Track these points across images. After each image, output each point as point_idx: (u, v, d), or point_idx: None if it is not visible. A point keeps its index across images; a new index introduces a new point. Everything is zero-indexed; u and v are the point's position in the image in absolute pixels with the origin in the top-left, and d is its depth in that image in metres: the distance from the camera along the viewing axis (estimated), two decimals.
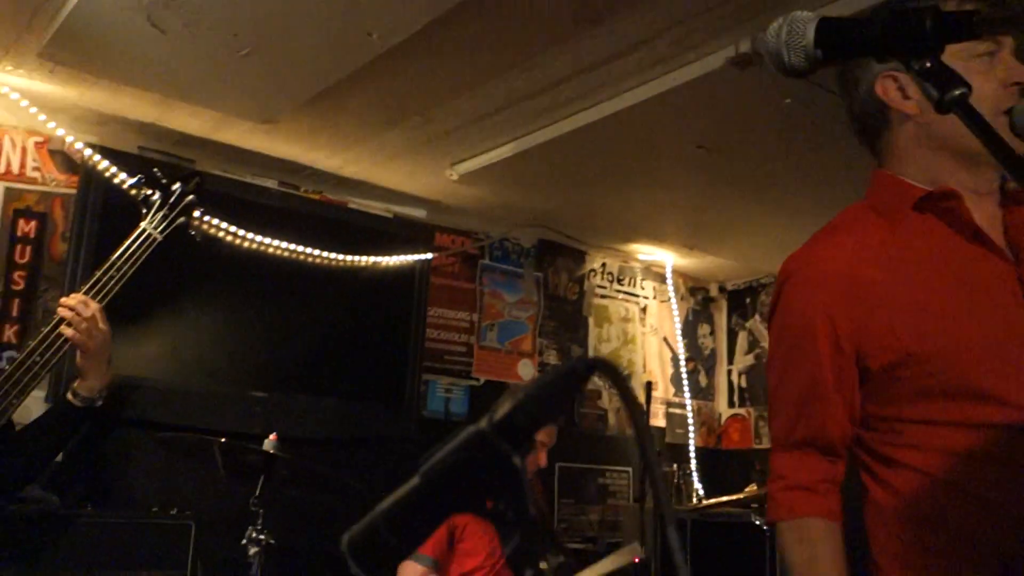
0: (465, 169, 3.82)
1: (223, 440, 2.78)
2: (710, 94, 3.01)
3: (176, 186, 2.27)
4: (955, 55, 1.18)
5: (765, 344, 5.46)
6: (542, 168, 3.76)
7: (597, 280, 5.13)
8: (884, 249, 1.32)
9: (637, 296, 5.32)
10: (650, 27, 2.71)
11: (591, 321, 5.07)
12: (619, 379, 0.58)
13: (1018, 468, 1.20)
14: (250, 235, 3.73)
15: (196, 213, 2.25)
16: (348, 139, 3.63)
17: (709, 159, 3.51)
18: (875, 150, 1.44)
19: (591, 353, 5.02)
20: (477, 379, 4.50)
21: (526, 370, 4.71)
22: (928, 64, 0.87)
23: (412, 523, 0.58)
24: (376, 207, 4.25)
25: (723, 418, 5.60)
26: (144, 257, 2.07)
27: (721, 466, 5.38)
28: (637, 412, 0.59)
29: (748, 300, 5.63)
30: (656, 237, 4.76)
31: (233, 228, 3.69)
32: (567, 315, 4.97)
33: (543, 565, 3.14)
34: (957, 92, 0.85)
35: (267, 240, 3.78)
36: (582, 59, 2.91)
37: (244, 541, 2.70)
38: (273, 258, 3.82)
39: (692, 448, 5.26)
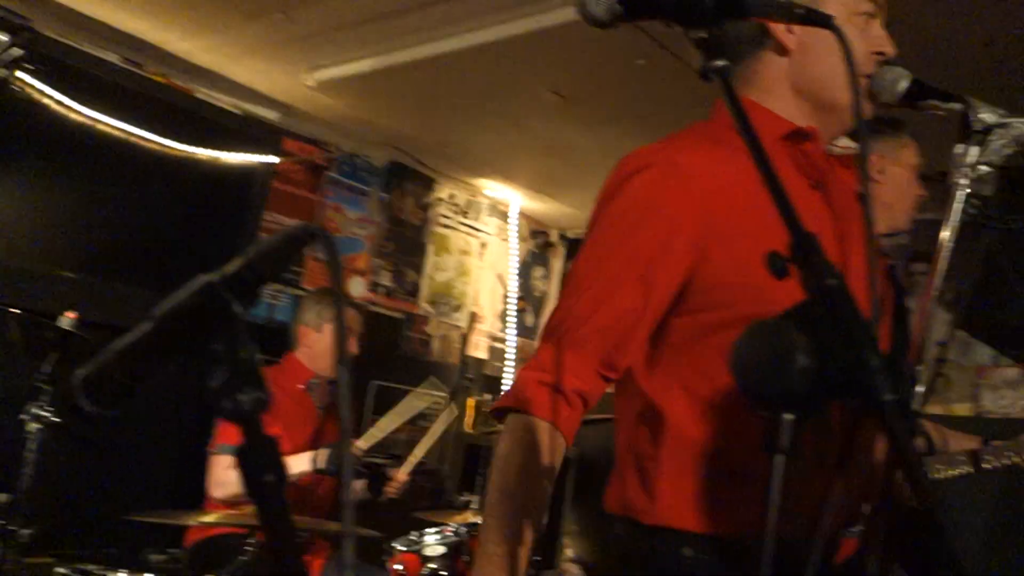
0: (323, 77, 3.75)
1: (18, 312, 2.67)
2: (569, 42, 3.09)
3: (2, 37, 2.11)
4: (838, 8, 1.29)
5: None
6: (401, 88, 3.75)
7: (443, 209, 5.18)
8: (744, 174, 1.23)
9: (479, 231, 5.41)
10: None
11: (430, 249, 5.13)
12: (332, 248, 0.65)
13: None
14: (79, 107, 3.53)
15: (20, 73, 2.10)
16: (203, 25, 3.47)
17: (563, 106, 3.61)
18: (732, 58, 1.33)
19: (425, 281, 5.09)
20: (304, 289, 4.47)
21: (357, 287, 4.72)
22: (703, 34, 0.93)
23: (142, 362, 0.63)
24: (224, 101, 4.11)
25: None
26: None
27: None
28: (336, 275, 0.66)
29: None
30: (506, 176, 4.85)
31: (61, 96, 3.47)
32: (407, 239, 5.00)
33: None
34: (719, 64, 0.91)
35: (98, 116, 3.58)
36: None
37: (23, 416, 2.61)
38: (104, 136, 3.63)
39: (509, 381, 5.47)
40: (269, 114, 4.26)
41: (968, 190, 1.24)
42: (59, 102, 3.47)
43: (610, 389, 1.31)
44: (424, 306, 5.09)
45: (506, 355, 5.54)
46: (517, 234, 5.56)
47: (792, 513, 1.06)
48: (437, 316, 5.16)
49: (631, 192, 1.26)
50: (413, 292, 5.04)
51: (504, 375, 5.48)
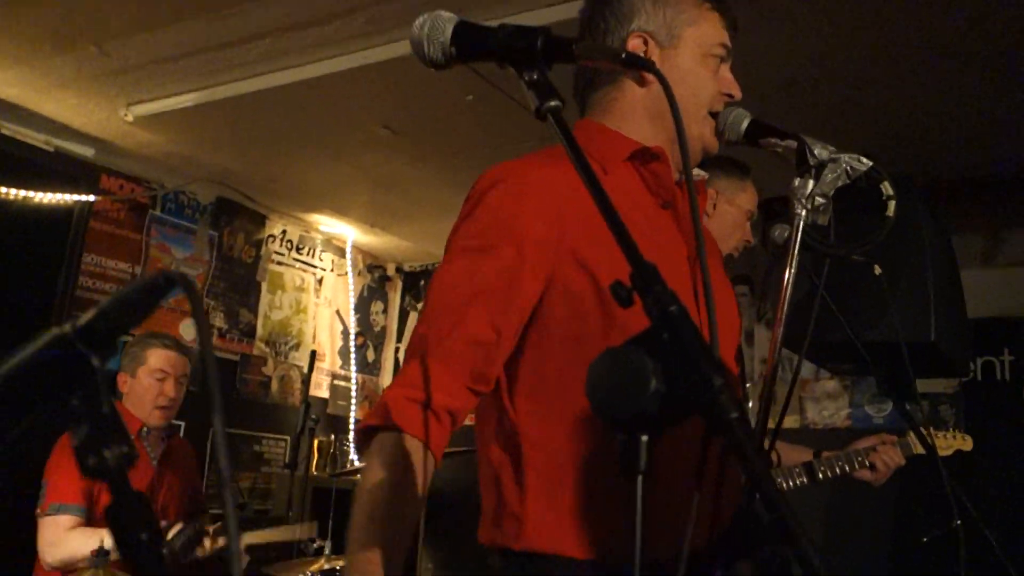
0: (142, 112, 3.58)
1: None
2: (398, 78, 3.11)
3: None
4: (693, 48, 1.38)
5: None
6: (225, 124, 3.64)
7: (275, 246, 5.05)
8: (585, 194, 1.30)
9: (315, 267, 5.30)
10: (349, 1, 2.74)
11: (264, 287, 4.97)
12: (194, 294, 0.63)
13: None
14: None
15: None
16: (7, 55, 3.24)
17: (394, 140, 3.61)
18: (587, 102, 1.44)
19: (261, 321, 4.93)
20: (132, 335, 4.22)
21: (188, 330, 4.51)
22: (535, 76, 0.99)
23: None
24: (35, 138, 3.84)
25: None
26: None
27: None
28: (203, 326, 0.65)
29: (423, 282, 5.84)
30: (339, 211, 4.79)
31: None
32: (239, 278, 4.83)
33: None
34: (553, 104, 0.96)
35: None
36: (279, 19, 2.87)
37: None
38: None
39: (353, 420, 5.37)
40: (84, 150, 4.02)
41: (806, 219, 1.32)
42: None
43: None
44: (260, 346, 4.92)
45: (352, 394, 5.44)
46: (353, 269, 5.49)
47: (659, 533, 1.08)
48: (275, 356, 5.00)
49: (486, 207, 1.26)
50: (249, 332, 4.87)
51: (350, 414, 5.38)
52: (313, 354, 4.33)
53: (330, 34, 2.94)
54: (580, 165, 0.89)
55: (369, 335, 5.69)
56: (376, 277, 5.76)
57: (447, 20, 1.05)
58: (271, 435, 4.95)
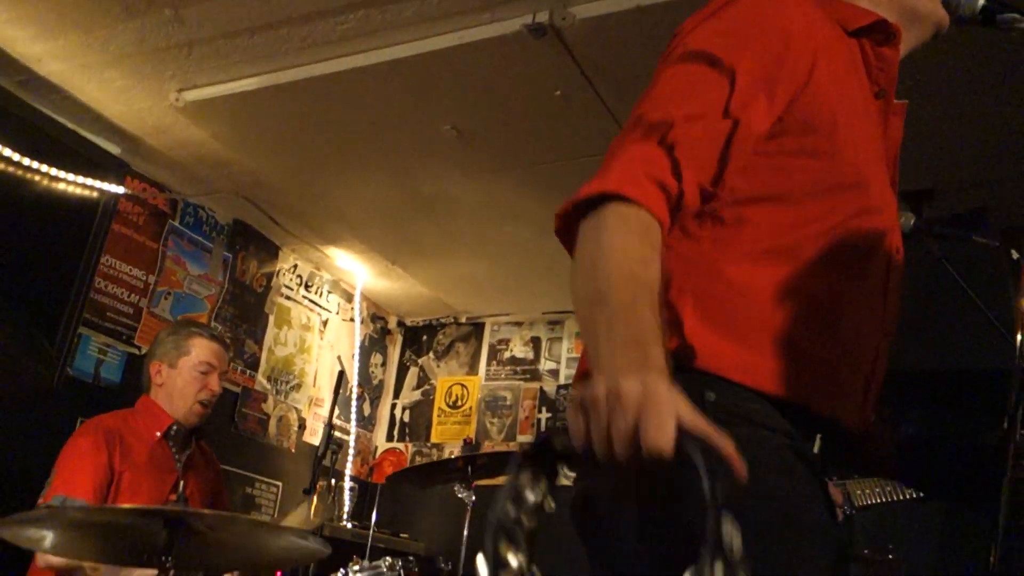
0: (193, 97, 3.42)
1: None
2: (481, 65, 3.04)
3: None
4: None
5: (434, 382, 5.47)
6: (278, 114, 3.48)
7: (285, 280, 4.82)
8: (836, 41, 1.26)
9: (321, 307, 5.07)
10: None
11: (271, 319, 4.71)
12: None
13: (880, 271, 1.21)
14: None
15: None
16: (69, 22, 3.08)
17: (459, 144, 3.50)
18: None
19: (265, 354, 4.64)
20: (139, 347, 3.91)
21: None
22: None
23: None
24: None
25: (379, 451, 5.44)
26: None
27: (369, 498, 5.17)
28: None
29: (425, 338, 5.63)
30: (361, 239, 4.58)
31: None
32: (249, 306, 4.57)
33: None
34: None
35: None
36: None
37: None
38: None
39: (348, 475, 5.02)
40: (111, 147, 3.81)
41: None
42: None
43: None
44: (263, 381, 4.62)
45: (350, 446, 5.11)
46: (359, 316, 5.27)
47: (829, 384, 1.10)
48: (275, 394, 4.69)
49: (746, 6, 1.17)
50: (253, 364, 4.57)
51: (346, 468, 5.03)
52: (341, 375, 4.03)
53: (430, 10, 2.87)
54: None
55: (367, 387, 5.41)
56: (378, 328, 5.54)
57: None
58: (264, 478, 4.58)
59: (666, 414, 0.80)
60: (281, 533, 2.24)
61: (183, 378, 2.95)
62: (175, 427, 2.91)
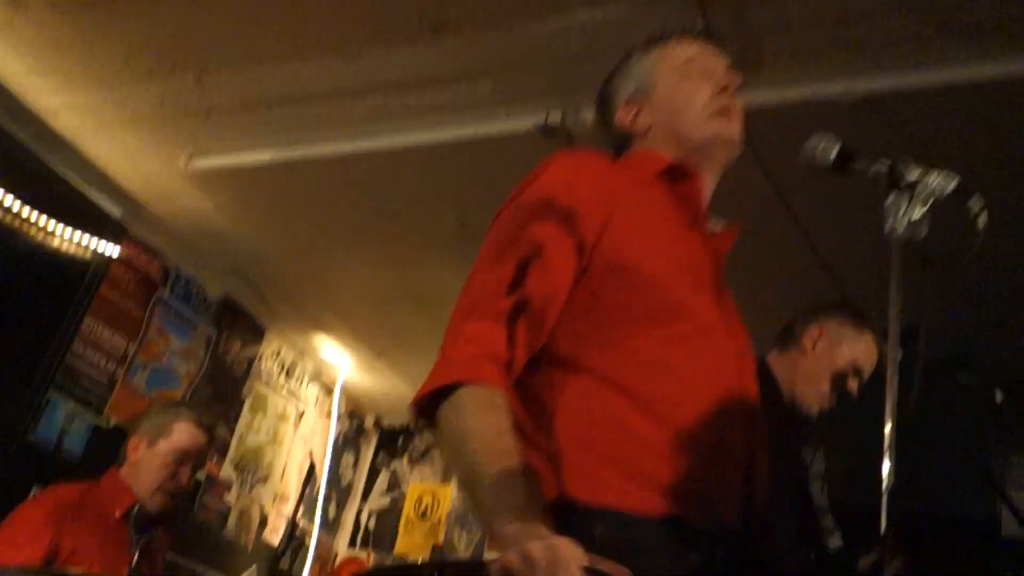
0: (203, 165, 3.44)
1: None
2: (498, 158, 3.07)
3: None
4: (666, 78, 1.51)
5: (405, 487, 5.29)
6: (284, 190, 3.51)
7: (267, 365, 4.72)
8: (633, 191, 1.37)
9: (299, 399, 4.95)
10: (482, 59, 2.76)
11: (247, 404, 4.58)
12: None
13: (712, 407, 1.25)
14: None
15: None
16: (91, 78, 3.11)
17: (462, 239, 3.50)
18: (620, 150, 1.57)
19: (236, 441, 4.49)
20: (107, 419, 3.77)
21: None
22: None
23: None
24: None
25: (338, 558, 5.19)
26: None
27: None
28: None
29: (401, 440, 5.48)
30: (349, 327, 4.52)
31: None
32: (226, 387, 4.45)
33: None
34: None
35: None
36: (402, 72, 2.85)
37: None
38: None
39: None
40: (112, 208, 3.80)
41: (904, 235, 1.33)
42: None
43: None
44: (229, 469, 4.44)
45: (310, 549, 4.88)
46: (338, 411, 5.15)
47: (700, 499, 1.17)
48: (240, 486, 4.50)
49: (550, 178, 1.33)
50: (222, 450, 4.41)
51: (303, 571, 4.79)
52: (311, 473, 3.87)
53: (448, 99, 2.93)
54: None
55: (335, 487, 5.22)
56: (353, 427, 5.40)
57: None
58: (219, 574, 4.33)
59: (573, 567, 0.94)
60: None
61: (155, 459, 2.80)
62: (137, 507, 2.76)
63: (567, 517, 1.08)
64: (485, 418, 1.10)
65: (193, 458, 2.85)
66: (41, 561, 2.46)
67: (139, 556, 2.70)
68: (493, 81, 2.83)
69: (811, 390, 2.45)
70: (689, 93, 1.48)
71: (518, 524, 1.00)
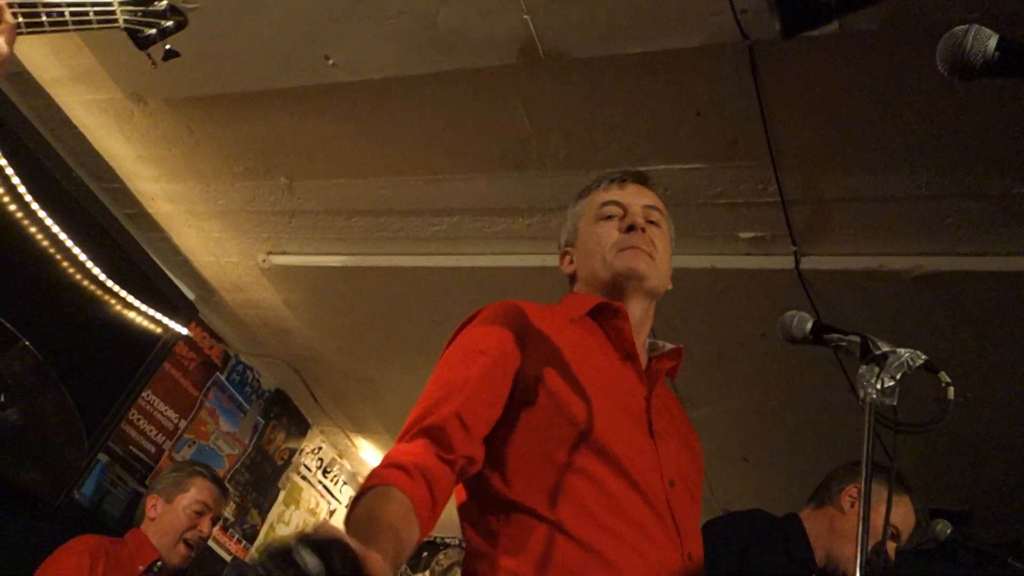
0: (280, 262, 3.63)
1: None
2: (555, 287, 3.19)
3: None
4: (586, 224, 1.68)
5: None
6: (351, 293, 3.66)
7: (306, 459, 4.80)
8: (564, 330, 1.50)
9: (333, 496, 4.99)
10: (556, 196, 2.91)
11: (282, 495, 4.64)
12: None
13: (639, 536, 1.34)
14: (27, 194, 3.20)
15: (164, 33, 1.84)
16: (192, 170, 3.34)
17: None
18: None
19: (265, 529, 4.52)
20: (148, 488, 3.85)
21: None
22: None
23: None
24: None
25: None
26: (89, 26, 1.70)
27: None
28: None
29: (425, 554, 5.45)
30: (391, 434, 4.61)
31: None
32: (265, 476, 4.53)
33: None
34: None
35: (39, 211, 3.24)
36: (478, 200, 3.02)
37: None
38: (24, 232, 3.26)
39: None
40: (188, 291, 4.00)
41: (875, 402, 1.43)
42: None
43: None
44: (254, 555, 4.46)
45: None
46: None
47: None
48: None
49: (475, 324, 1.49)
50: (250, 536, 4.45)
51: None
52: None
53: (519, 229, 3.08)
54: None
55: None
56: None
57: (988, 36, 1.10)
58: None
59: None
60: None
61: (175, 515, 2.94)
62: (160, 564, 2.85)
63: None
64: (377, 499, 1.19)
65: (211, 510, 2.97)
66: None
67: None
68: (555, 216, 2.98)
69: (849, 551, 2.42)
70: (598, 237, 1.62)
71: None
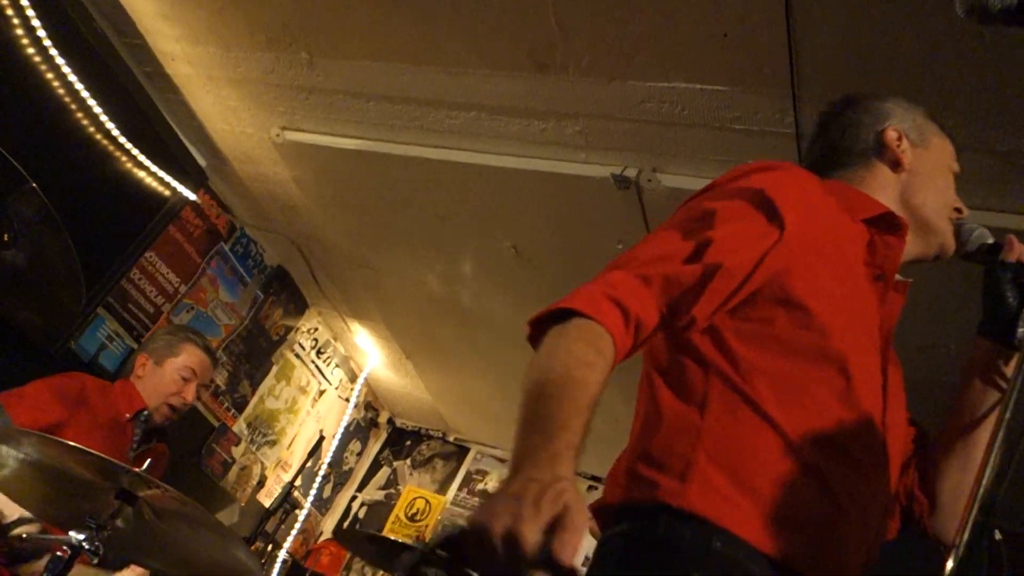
0: (293, 138, 3.61)
1: None
2: (568, 197, 3.19)
3: None
4: (940, 154, 1.55)
5: (402, 487, 5.39)
6: (361, 178, 3.64)
7: (301, 338, 4.88)
8: (843, 219, 1.38)
9: (324, 377, 5.09)
10: (577, 103, 2.88)
11: (274, 370, 4.74)
12: None
13: (869, 446, 1.26)
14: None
15: None
16: (213, 33, 3.29)
17: (511, 263, 3.62)
18: (838, 163, 1.56)
19: (255, 400, 4.63)
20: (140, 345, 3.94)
21: None
22: None
23: None
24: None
25: (322, 536, 5.30)
26: None
27: None
28: None
29: (408, 443, 5.59)
30: (387, 323, 4.67)
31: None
32: (259, 349, 4.61)
33: None
34: None
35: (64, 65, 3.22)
36: (498, 98, 2.99)
37: None
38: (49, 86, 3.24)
39: (286, 546, 4.87)
40: (200, 157, 3.99)
41: None
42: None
43: None
44: (242, 425, 4.59)
45: (298, 519, 4.99)
46: (356, 399, 5.28)
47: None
48: (249, 443, 4.64)
49: (763, 177, 1.31)
50: (239, 406, 4.56)
51: (286, 540, 4.90)
52: (317, 449, 3.99)
53: (535, 133, 3.06)
54: None
55: (336, 470, 5.34)
56: (367, 417, 5.52)
57: None
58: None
59: (580, 531, 0.86)
60: (227, 544, 2.19)
61: (162, 377, 2.99)
62: (146, 413, 2.92)
63: (684, 522, 1.08)
64: (581, 347, 1.08)
65: (198, 377, 3.02)
66: (37, 423, 2.53)
67: (135, 459, 2.83)
68: (582, 125, 2.96)
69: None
70: (945, 186, 1.53)
71: (547, 456, 0.96)
